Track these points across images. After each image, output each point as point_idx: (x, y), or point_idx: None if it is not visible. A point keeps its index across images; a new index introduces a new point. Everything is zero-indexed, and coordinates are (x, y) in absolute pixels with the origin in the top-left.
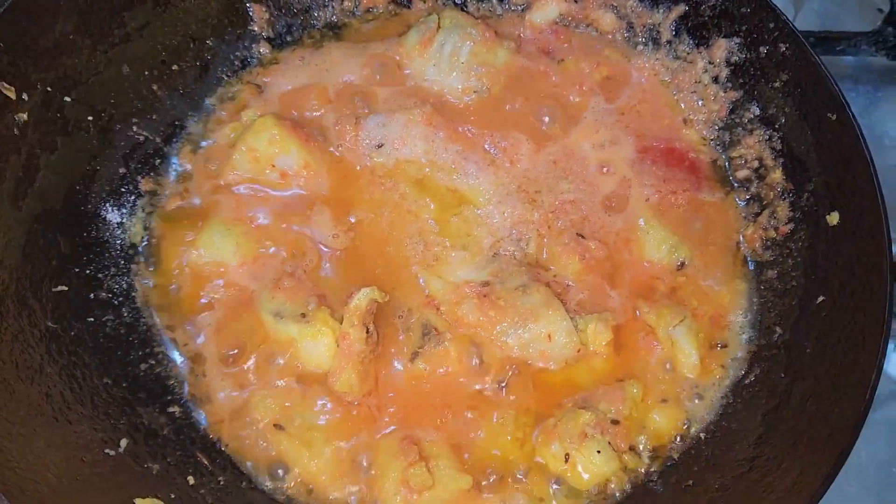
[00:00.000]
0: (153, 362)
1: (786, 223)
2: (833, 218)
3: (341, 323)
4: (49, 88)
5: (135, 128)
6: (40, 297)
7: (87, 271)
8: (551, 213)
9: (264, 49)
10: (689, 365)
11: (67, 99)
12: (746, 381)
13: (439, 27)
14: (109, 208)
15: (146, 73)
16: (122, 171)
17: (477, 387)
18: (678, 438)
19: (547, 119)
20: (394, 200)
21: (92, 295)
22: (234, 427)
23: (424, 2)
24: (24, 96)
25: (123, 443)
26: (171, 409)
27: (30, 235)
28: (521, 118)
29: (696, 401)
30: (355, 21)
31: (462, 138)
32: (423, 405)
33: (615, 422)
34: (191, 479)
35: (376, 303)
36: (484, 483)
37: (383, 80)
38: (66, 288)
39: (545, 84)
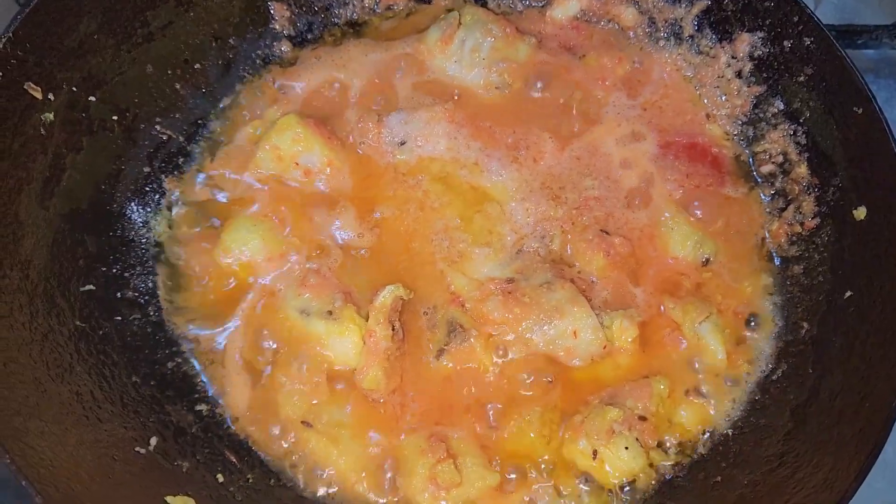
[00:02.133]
0: (180, 360)
1: (812, 218)
2: (860, 213)
3: (367, 320)
4: (74, 88)
5: (158, 127)
6: (68, 296)
7: (114, 270)
8: (575, 210)
9: (285, 47)
10: (716, 361)
11: (92, 99)
12: (774, 377)
13: (460, 24)
14: (134, 207)
15: (169, 72)
16: (146, 170)
17: (503, 383)
18: (705, 434)
19: (569, 115)
20: (417, 198)
21: (119, 294)
22: (261, 425)
23: (445, 1)
24: (51, 96)
25: (153, 441)
26: (198, 408)
27: (57, 235)
28: (543, 114)
29: (724, 397)
30: (376, 18)
31: (484, 135)
32: (450, 402)
33: (642, 418)
34: (220, 477)
35: (401, 300)
36: (511, 480)
37: (404, 77)
38: (93, 287)
39: (567, 80)
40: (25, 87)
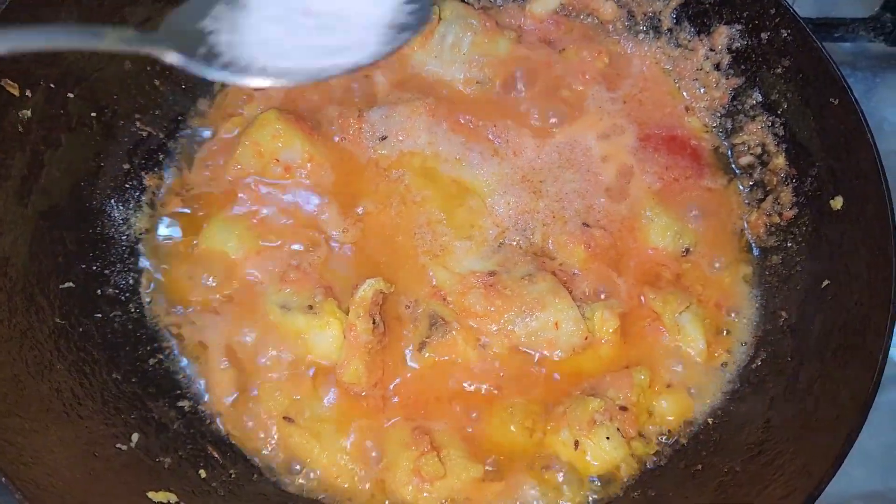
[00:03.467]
0: (161, 357)
1: (790, 208)
2: (837, 202)
3: (348, 314)
4: (52, 85)
5: (138, 123)
6: (48, 293)
7: (94, 267)
8: (556, 203)
9: None
10: (696, 350)
11: (71, 95)
12: (753, 366)
13: (440, 19)
14: (114, 204)
15: (148, 68)
16: (125, 166)
17: (485, 376)
18: (686, 424)
19: (549, 109)
20: (399, 192)
21: (99, 291)
22: (243, 420)
23: None
24: (28, 93)
25: (135, 437)
26: (180, 404)
27: (36, 233)
28: (523, 108)
29: (704, 386)
30: None
31: (465, 129)
32: (432, 395)
33: (623, 408)
34: (202, 473)
35: (382, 293)
36: (494, 471)
37: (385, 72)
38: (73, 284)
39: (547, 74)
40: (2, 83)
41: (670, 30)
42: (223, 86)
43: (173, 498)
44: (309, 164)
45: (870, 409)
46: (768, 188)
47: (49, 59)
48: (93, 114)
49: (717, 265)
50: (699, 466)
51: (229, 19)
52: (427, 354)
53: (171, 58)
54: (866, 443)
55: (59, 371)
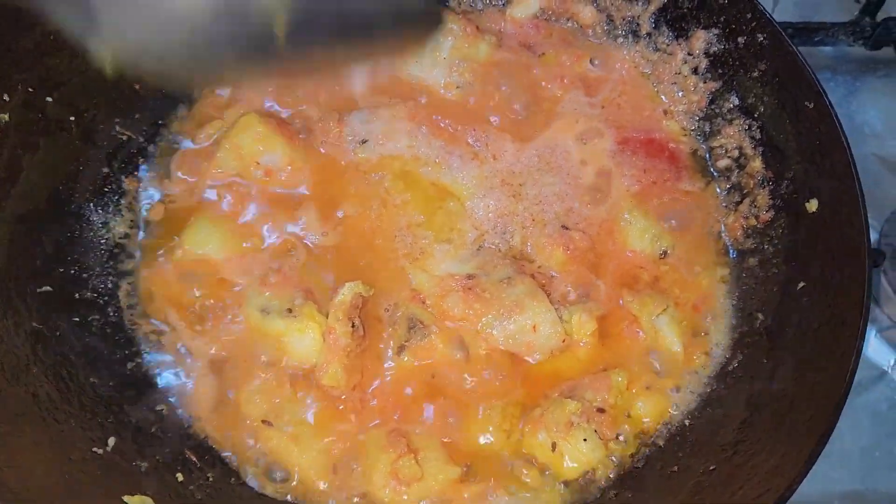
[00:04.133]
0: (139, 361)
1: (766, 211)
2: (812, 205)
3: (327, 318)
4: (31, 89)
5: (117, 127)
6: (25, 297)
7: (72, 271)
8: (535, 206)
9: None
10: (673, 352)
11: (49, 99)
12: (730, 368)
13: None
14: (93, 208)
15: (128, 73)
16: (105, 170)
17: (463, 379)
18: (663, 425)
19: (529, 113)
20: (379, 195)
21: (77, 295)
22: (222, 424)
23: None
24: (6, 97)
25: (111, 441)
26: (158, 407)
27: (14, 236)
28: (503, 112)
29: (681, 388)
30: None
31: (445, 133)
32: (410, 398)
33: (601, 410)
34: (180, 476)
35: (361, 297)
36: (472, 473)
37: (365, 76)
38: (50, 288)
39: (527, 78)
40: None
41: (649, 34)
42: (203, 90)
43: (150, 502)
44: (289, 168)
45: (841, 409)
46: (745, 191)
47: (28, 63)
48: (72, 118)
49: (694, 268)
50: (676, 468)
51: None
52: (406, 358)
53: None
54: (847, 444)
55: (36, 375)
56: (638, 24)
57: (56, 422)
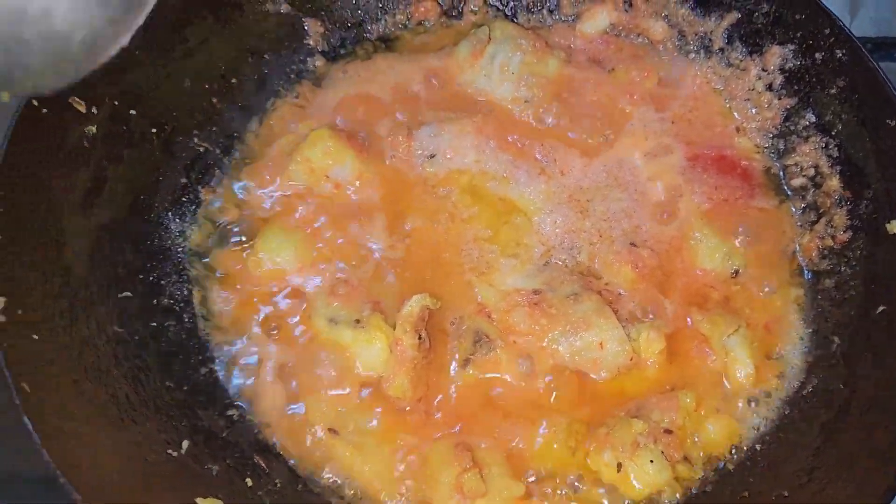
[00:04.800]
0: (213, 367)
1: (844, 231)
2: (894, 226)
3: (395, 329)
4: (116, 102)
5: (195, 139)
6: (107, 302)
7: (151, 278)
8: (603, 222)
9: (319, 62)
10: (745, 375)
11: (133, 112)
12: (804, 392)
13: (490, 38)
14: (171, 217)
15: (206, 86)
16: (183, 181)
17: (529, 394)
18: (733, 449)
19: (599, 128)
20: (446, 209)
21: (155, 301)
22: (289, 431)
23: (475, 14)
24: (94, 110)
25: (185, 444)
26: (229, 413)
27: (97, 243)
28: (573, 127)
29: (752, 411)
30: (407, 33)
31: (513, 148)
32: (475, 412)
33: (668, 431)
34: (249, 482)
35: (428, 309)
36: (536, 491)
37: (435, 91)
38: (130, 294)
39: (596, 93)
40: (70, 101)
41: (721, 49)
42: (276, 104)
43: None
44: (358, 182)
45: None
46: (822, 210)
47: (113, 78)
48: (153, 130)
49: (767, 288)
50: (746, 493)
51: None
52: (471, 371)
53: None
54: None
55: (116, 377)
56: (710, 40)
57: (134, 423)
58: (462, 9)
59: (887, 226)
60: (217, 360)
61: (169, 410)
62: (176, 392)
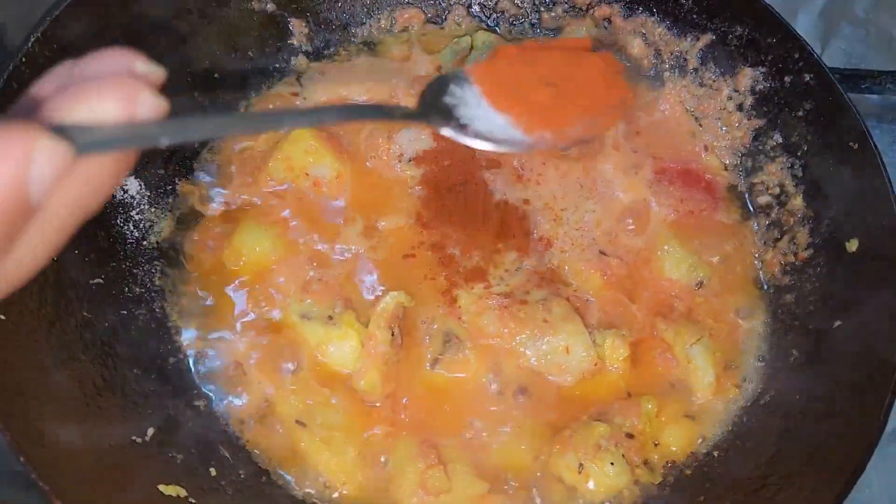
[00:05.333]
0: (181, 356)
1: (805, 249)
2: (852, 244)
3: (366, 326)
4: None
5: None
6: (77, 287)
7: (123, 266)
8: (575, 231)
9: (302, 62)
10: (705, 383)
11: None
12: (761, 402)
13: (472, 48)
14: (147, 207)
15: (188, 80)
16: (161, 172)
17: (495, 396)
18: (691, 455)
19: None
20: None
21: (126, 289)
22: (256, 423)
23: (459, 25)
24: None
25: (150, 431)
26: (196, 403)
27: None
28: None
29: (711, 419)
30: (391, 38)
31: (490, 156)
32: (442, 410)
33: (630, 436)
34: (213, 471)
35: (403, 307)
36: (498, 490)
37: (416, 96)
38: (101, 281)
39: None
40: None
41: (696, 69)
42: (258, 101)
43: (183, 492)
44: (337, 181)
45: (874, 449)
46: (785, 228)
47: None
48: None
49: (730, 300)
50: (702, 498)
51: (461, 95)
52: (439, 370)
53: (445, 132)
54: (875, 492)
55: (83, 362)
56: (685, 59)
57: (99, 409)
58: (446, 17)
59: (846, 244)
60: (186, 350)
61: (135, 398)
62: (143, 380)
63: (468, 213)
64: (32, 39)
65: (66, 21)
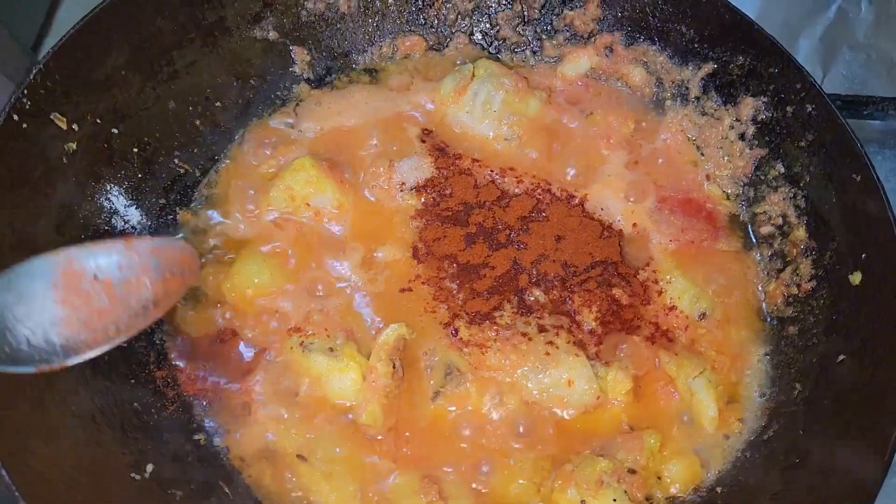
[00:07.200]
0: (181, 390)
1: (808, 280)
2: (856, 277)
3: (368, 358)
4: (98, 120)
5: (176, 161)
6: None
7: None
8: (577, 260)
9: (304, 89)
10: (708, 417)
11: (115, 131)
12: (765, 437)
13: (473, 76)
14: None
15: (190, 108)
16: (161, 201)
17: (496, 429)
18: (694, 490)
19: (573, 170)
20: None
21: None
22: (256, 457)
23: (460, 51)
24: (75, 127)
25: (149, 468)
26: (196, 437)
27: None
28: (548, 167)
29: (714, 453)
30: (392, 66)
31: (491, 183)
32: (443, 444)
33: (632, 471)
34: None
35: (404, 339)
36: None
37: (417, 124)
38: None
39: (573, 135)
40: (52, 117)
41: (697, 98)
42: (259, 129)
43: None
44: (338, 211)
45: (880, 487)
46: (788, 259)
47: (97, 96)
48: (135, 149)
49: (732, 332)
50: None
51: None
52: (440, 403)
53: None
54: None
55: (83, 397)
56: (687, 88)
57: (98, 445)
58: (447, 45)
59: (850, 277)
60: (184, 385)
61: (135, 433)
62: (143, 414)
63: (468, 244)
64: (35, 71)
65: (70, 52)
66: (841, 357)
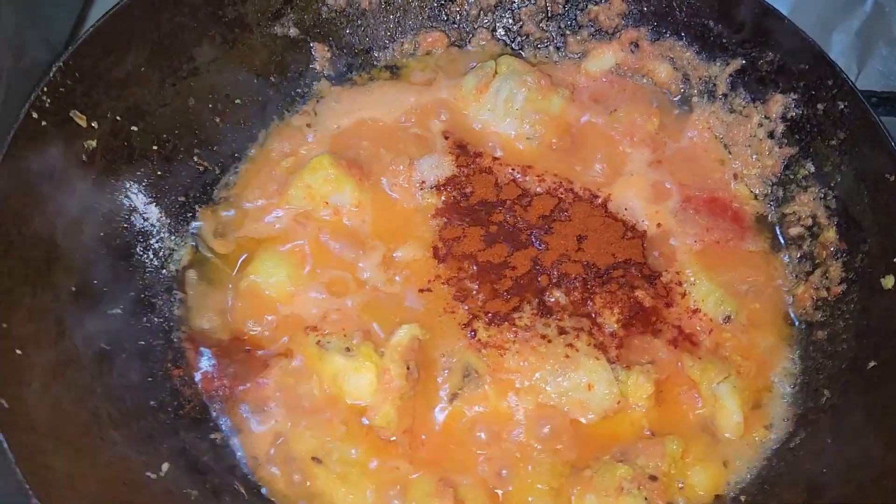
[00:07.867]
0: (197, 388)
1: (838, 284)
2: (888, 281)
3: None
4: (118, 118)
5: (196, 158)
6: (96, 319)
7: (142, 296)
8: (598, 262)
9: (324, 86)
10: (732, 424)
11: (135, 128)
12: (791, 445)
13: (496, 73)
14: (167, 235)
15: (210, 105)
16: (181, 199)
17: (514, 432)
18: (718, 499)
19: (597, 168)
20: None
21: (144, 319)
22: (272, 458)
23: (483, 47)
24: (95, 124)
25: (165, 467)
26: (212, 436)
27: (90, 258)
28: (571, 165)
29: (738, 461)
30: (413, 62)
31: (512, 182)
32: (460, 447)
33: (653, 478)
34: None
35: (418, 340)
36: None
37: (438, 122)
38: (120, 311)
39: (597, 133)
40: (71, 114)
41: (725, 95)
42: (279, 126)
43: None
44: (357, 209)
45: None
46: (817, 261)
47: (117, 94)
48: (154, 147)
49: (758, 336)
50: None
51: None
52: (458, 405)
53: None
54: None
55: (99, 396)
56: (714, 85)
57: (114, 444)
58: (470, 41)
59: (882, 281)
60: (202, 383)
61: (151, 432)
62: (160, 413)
63: (488, 243)
64: (54, 69)
65: (90, 50)
66: (872, 363)
